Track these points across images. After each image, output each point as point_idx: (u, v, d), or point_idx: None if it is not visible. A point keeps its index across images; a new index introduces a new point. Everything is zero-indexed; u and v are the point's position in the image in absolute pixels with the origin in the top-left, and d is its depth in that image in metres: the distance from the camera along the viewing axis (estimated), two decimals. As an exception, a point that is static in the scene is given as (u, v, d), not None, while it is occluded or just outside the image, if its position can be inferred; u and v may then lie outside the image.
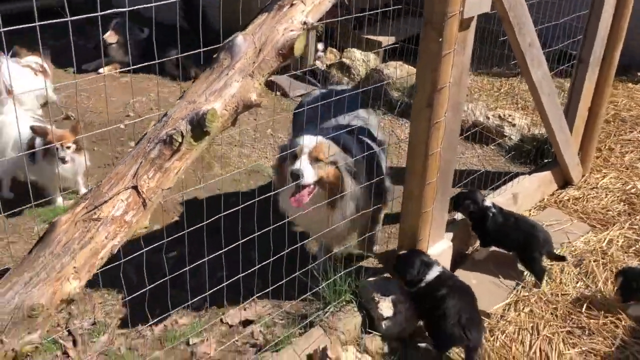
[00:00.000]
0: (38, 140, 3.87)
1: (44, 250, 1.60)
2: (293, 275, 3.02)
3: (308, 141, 2.97)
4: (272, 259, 2.86)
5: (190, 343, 3.09)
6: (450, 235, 3.55)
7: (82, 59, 6.59)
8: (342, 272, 3.19)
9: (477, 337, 2.89)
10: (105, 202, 1.64)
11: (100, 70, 6.62)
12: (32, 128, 3.77)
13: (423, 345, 3.12)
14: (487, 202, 3.61)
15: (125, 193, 1.66)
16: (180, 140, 1.70)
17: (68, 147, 3.78)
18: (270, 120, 5.56)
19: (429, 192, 3.09)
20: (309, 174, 2.92)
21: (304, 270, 3.12)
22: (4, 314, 1.54)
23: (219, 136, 5.20)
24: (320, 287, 3.13)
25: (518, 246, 3.58)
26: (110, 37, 6.48)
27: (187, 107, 1.77)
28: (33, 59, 5.38)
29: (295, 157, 2.97)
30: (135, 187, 1.66)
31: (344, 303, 3.16)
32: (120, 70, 6.54)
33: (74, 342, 3.07)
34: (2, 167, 4.13)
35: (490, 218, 3.55)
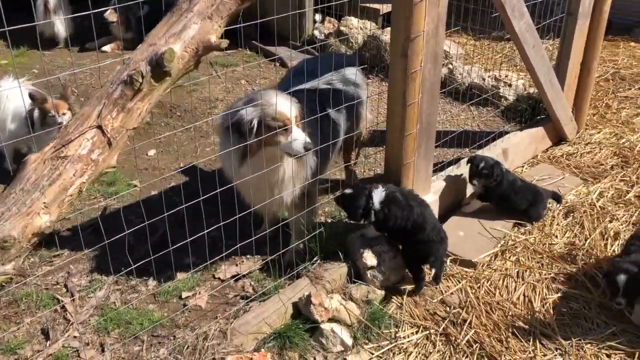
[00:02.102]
0: (36, 112, 3.98)
1: (15, 187, 1.69)
2: (277, 226, 3.10)
3: (285, 106, 2.80)
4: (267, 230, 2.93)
5: (183, 297, 3.20)
6: (442, 186, 3.60)
7: (86, 38, 6.69)
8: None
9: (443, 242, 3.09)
10: (72, 141, 1.72)
11: (104, 48, 6.72)
12: (31, 95, 3.89)
13: (408, 288, 3.21)
14: (498, 164, 3.64)
15: (90, 132, 1.74)
16: (140, 80, 1.77)
17: (64, 114, 3.89)
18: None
19: (409, 144, 3.13)
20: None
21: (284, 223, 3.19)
22: (-21, 247, 1.63)
23: (220, 103, 5.29)
24: (303, 240, 3.20)
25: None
26: (110, 15, 6.57)
27: (148, 49, 1.84)
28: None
29: (285, 126, 2.81)
30: (99, 127, 1.74)
31: (330, 255, 3.24)
32: (123, 47, 6.65)
33: (72, 298, 3.19)
34: (4, 140, 4.27)
35: (506, 183, 3.60)
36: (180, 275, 3.29)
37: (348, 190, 3.15)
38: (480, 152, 4.03)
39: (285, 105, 2.78)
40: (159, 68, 1.81)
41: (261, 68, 6.25)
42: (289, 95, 2.89)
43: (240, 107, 2.76)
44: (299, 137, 2.79)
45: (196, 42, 1.89)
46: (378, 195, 3.07)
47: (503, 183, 3.60)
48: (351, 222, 3.25)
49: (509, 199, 3.64)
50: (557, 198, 3.80)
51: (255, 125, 2.72)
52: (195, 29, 1.89)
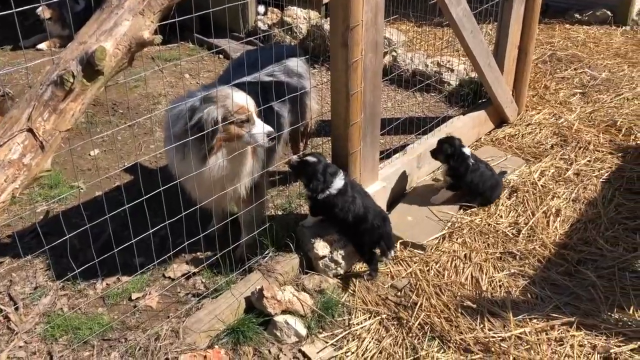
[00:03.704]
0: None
1: (-57, 197, 1.62)
2: (226, 221, 3.08)
3: (242, 99, 2.83)
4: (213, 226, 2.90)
5: (133, 298, 3.15)
6: (389, 173, 3.66)
7: (20, 36, 6.43)
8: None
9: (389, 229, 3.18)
10: (0, 146, 1.66)
11: (39, 46, 6.49)
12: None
13: (362, 270, 3.27)
14: (466, 150, 3.71)
15: (21, 136, 1.68)
16: (71, 80, 1.72)
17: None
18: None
19: (354, 133, 3.16)
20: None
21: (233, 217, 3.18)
22: None
23: (163, 99, 5.20)
24: (254, 234, 3.19)
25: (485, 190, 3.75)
26: (44, 11, 6.33)
27: (78, 48, 1.78)
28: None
29: (248, 119, 2.85)
30: (30, 130, 1.69)
31: (282, 247, 3.24)
32: (60, 45, 6.43)
33: (16, 307, 3.09)
34: None
35: (470, 166, 3.66)
36: (129, 277, 3.24)
37: (311, 158, 3.12)
38: (425, 138, 4.10)
39: (243, 98, 2.81)
40: (90, 67, 1.77)
41: (204, 61, 6.17)
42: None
43: (195, 107, 2.76)
44: (262, 127, 2.83)
45: (128, 38, 1.85)
46: (338, 182, 3.10)
47: (468, 169, 3.66)
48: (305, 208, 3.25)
49: (477, 186, 3.72)
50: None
51: (220, 123, 2.74)
52: (126, 26, 1.85)
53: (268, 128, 2.85)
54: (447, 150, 3.67)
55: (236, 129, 2.82)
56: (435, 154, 3.79)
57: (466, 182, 3.71)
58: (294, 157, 3.20)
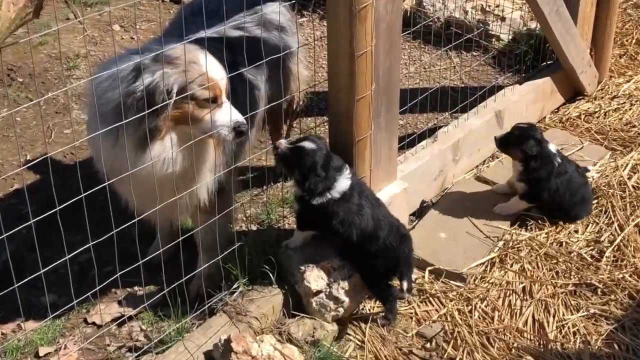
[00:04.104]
0: None
1: None
2: (177, 241, 3.08)
3: (216, 70, 2.85)
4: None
5: (41, 355, 3.15)
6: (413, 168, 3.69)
7: None
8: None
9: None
10: None
11: None
12: None
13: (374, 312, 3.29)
14: (551, 146, 3.74)
15: None
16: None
17: None
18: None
19: (361, 112, 3.17)
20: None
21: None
22: None
23: (82, 61, 5.19)
24: (217, 259, 3.20)
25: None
26: None
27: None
28: None
29: (215, 99, 2.85)
30: None
31: (258, 278, 3.25)
32: None
33: None
34: None
35: (555, 168, 3.69)
36: (35, 323, 3.24)
37: (308, 144, 3.10)
38: (464, 118, 4.12)
39: (217, 68, 2.83)
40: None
41: (142, 6, 6.17)
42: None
43: (144, 66, 2.74)
44: (229, 113, 2.84)
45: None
46: (343, 181, 3.11)
47: (552, 173, 3.69)
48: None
49: (563, 197, 3.74)
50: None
51: (174, 96, 2.74)
52: (31, -41, 1.85)
53: (237, 116, 2.84)
54: (531, 149, 3.66)
55: (194, 109, 2.81)
56: (506, 145, 3.79)
57: (547, 191, 3.73)
58: (283, 142, 3.19)
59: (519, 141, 3.69)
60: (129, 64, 2.76)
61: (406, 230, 3.32)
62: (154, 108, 2.70)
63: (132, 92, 2.72)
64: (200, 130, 2.86)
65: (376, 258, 3.16)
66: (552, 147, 3.73)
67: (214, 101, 2.84)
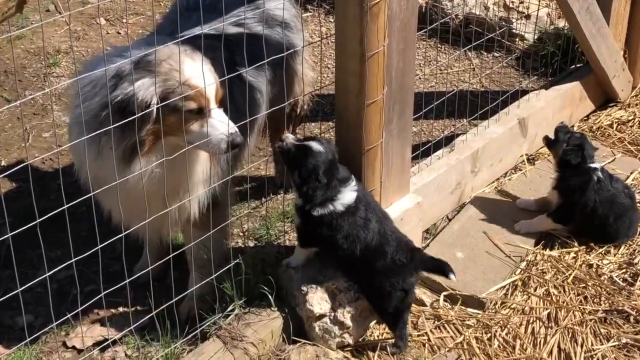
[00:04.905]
0: None
1: None
2: (167, 258, 3.07)
3: (197, 75, 2.78)
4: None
5: (13, 384, 3.14)
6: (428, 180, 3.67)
7: None
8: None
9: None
10: None
11: None
12: None
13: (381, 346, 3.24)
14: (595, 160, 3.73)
15: None
16: None
17: None
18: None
19: (372, 119, 3.15)
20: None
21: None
22: None
23: (63, 58, 5.18)
24: (210, 279, 3.18)
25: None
26: None
27: None
28: None
29: (200, 110, 2.82)
30: None
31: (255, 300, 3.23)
32: None
33: None
34: None
35: (593, 182, 3.66)
36: (8, 348, 3.23)
37: (316, 145, 3.06)
38: (484, 126, 4.10)
39: (199, 73, 2.76)
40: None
41: (130, -1, 6.18)
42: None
43: (123, 73, 2.73)
44: (223, 124, 2.80)
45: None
46: (348, 194, 3.09)
47: (589, 187, 3.66)
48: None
49: (605, 218, 3.70)
50: None
51: (154, 107, 2.71)
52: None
53: (230, 127, 2.81)
54: (576, 156, 3.66)
55: (179, 122, 2.77)
56: (554, 145, 3.78)
57: (580, 207, 3.70)
58: (291, 137, 3.14)
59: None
60: (110, 68, 2.72)
61: (414, 245, 3.28)
62: (130, 120, 2.64)
63: (105, 105, 2.67)
64: (190, 143, 2.82)
65: (382, 276, 3.12)
66: (596, 161, 3.72)
67: (200, 112, 2.80)
